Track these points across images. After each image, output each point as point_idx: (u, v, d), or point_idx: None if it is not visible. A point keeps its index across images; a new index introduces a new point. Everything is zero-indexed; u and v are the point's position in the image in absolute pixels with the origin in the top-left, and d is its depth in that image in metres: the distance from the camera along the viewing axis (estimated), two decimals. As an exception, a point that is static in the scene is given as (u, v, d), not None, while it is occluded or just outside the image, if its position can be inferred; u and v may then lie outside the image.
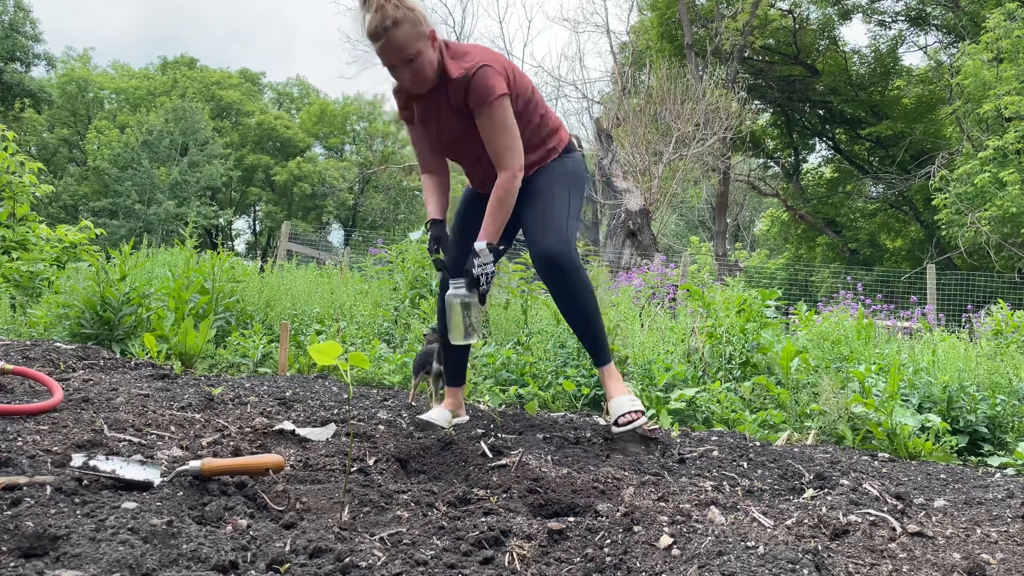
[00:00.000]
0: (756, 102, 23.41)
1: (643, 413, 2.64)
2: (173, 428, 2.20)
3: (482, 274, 2.52)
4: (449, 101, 2.56)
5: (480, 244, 2.51)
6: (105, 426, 2.07)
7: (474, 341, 2.65)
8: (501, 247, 2.60)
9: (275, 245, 24.67)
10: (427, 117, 2.67)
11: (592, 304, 2.68)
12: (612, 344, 4.13)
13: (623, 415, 2.62)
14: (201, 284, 4.50)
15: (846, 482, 2.12)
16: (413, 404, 3.27)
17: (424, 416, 2.81)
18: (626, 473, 2.18)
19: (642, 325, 5.19)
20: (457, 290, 2.56)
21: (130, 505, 1.46)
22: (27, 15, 29.98)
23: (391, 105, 39.96)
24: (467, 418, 3.02)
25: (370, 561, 1.34)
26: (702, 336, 4.28)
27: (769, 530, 1.46)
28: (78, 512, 1.41)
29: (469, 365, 4.09)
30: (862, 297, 9.14)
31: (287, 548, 1.36)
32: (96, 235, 6.80)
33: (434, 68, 2.49)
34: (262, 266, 7.01)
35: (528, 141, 2.65)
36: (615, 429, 2.63)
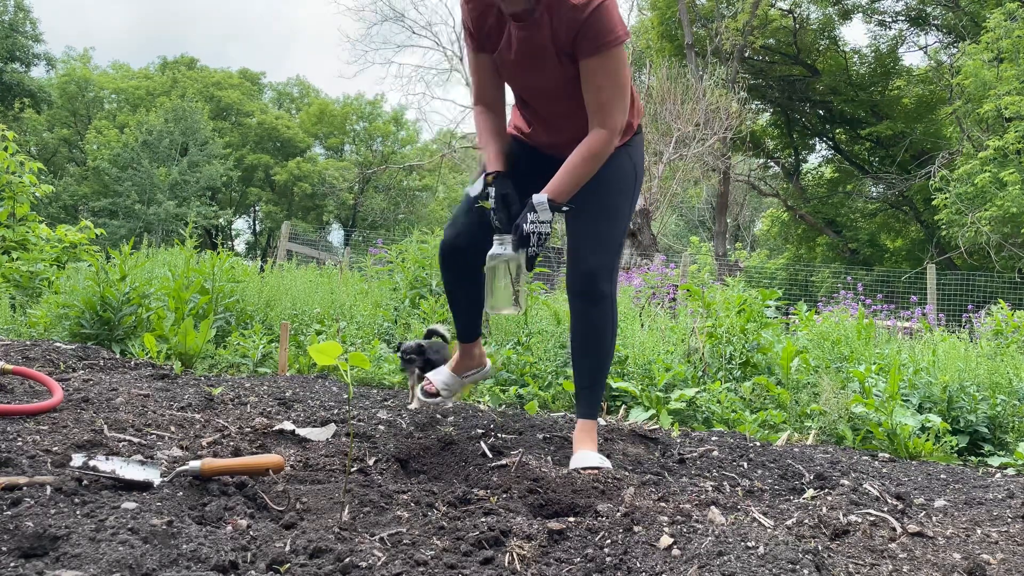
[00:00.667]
0: (756, 102, 23.41)
1: (606, 468, 2.18)
2: (173, 428, 2.20)
3: (535, 233, 2.10)
4: (552, 36, 2.09)
5: (541, 197, 2.10)
6: (105, 426, 2.07)
7: (518, 311, 2.28)
8: (565, 208, 2.18)
9: (275, 245, 24.67)
10: (513, 51, 2.18)
11: (610, 345, 2.37)
12: (612, 344, 4.13)
13: (586, 468, 2.15)
14: (201, 284, 4.50)
15: (846, 482, 2.12)
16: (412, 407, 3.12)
17: (431, 383, 2.70)
18: (626, 473, 2.18)
19: (642, 325, 5.19)
20: (503, 248, 2.15)
21: (130, 505, 1.46)
22: (27, 15, 29.97)
23: (389, 106, 39.96)
24: (488, 368, 2.80)
25: (370, 561, 1.34)
26: (702, 336, 4.28)
27: (769, 530, 1.46)
28: (78, 512, 1.41)
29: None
30: (862, 297, 9.14)
31: (287, 548, 1.36)
32: (96, 235, 6.80)
33: None
34: (262, 266, 7.00)
35: None
36: (575, 465, 2.21)
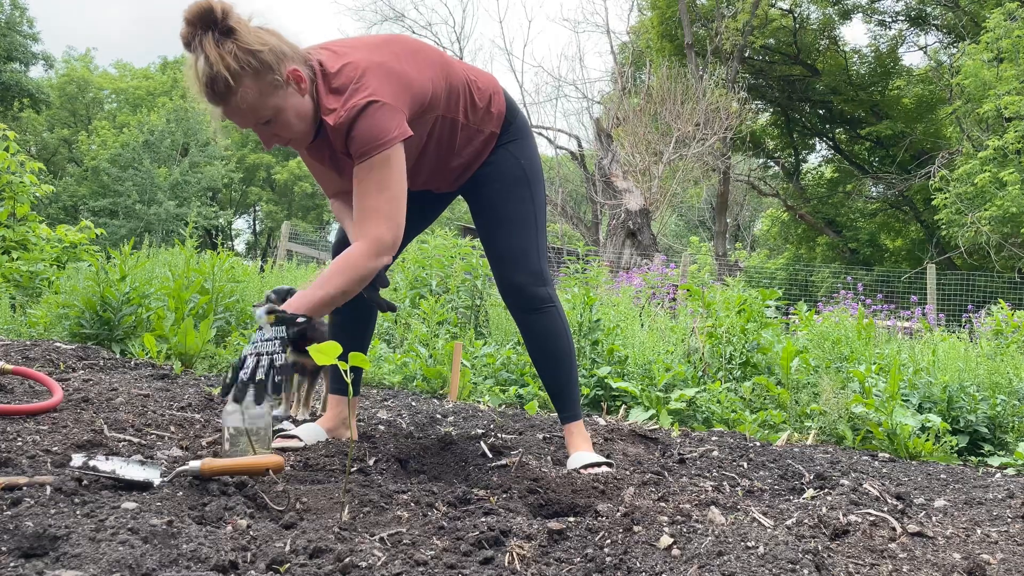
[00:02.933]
0: (756, 102, 23.41)
1: (610, 464, 2.20)
2: (173, 428, 2.20)
3: (253, 355, 1.75)
4: (335, 147, 1.96)
5: (259, 312, 1.78)
6: (105, 426, 2.07)
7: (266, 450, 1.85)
8: (301, 320, 1.80)
9: (275, 245, 24.67)
10: (320, 159, 2.08)
11: (567, 346, 2.26)
12: (612, 344, 4.13)
13: (585, 465, 2.16)
14: (201, 284, 4.50)
15: (846, 482, 2.12)
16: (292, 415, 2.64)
17: (290, 430, 2.26)
18: (626, 473, 2.18)
19: (642, 325, 5.19)
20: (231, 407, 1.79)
21: (130, 505, 1.46)
22: (23, 13, 29.95)
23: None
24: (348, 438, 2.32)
25: (370, 561, 1.34)
26: (702, 336, 4.28)
27: (769, 530, 1.46)
28: (78, 512, 1.41)
29: (465, 364, 4.09)
30: (862, 297, 9.15)
31: (287, 548, 1.36)
32: (96, 235, 6.81)
33: (308, 116, 1.88)
34: (262, 266, 7.01)
35: (462, 136, 2.11)
36: (573, 466, 2.20)
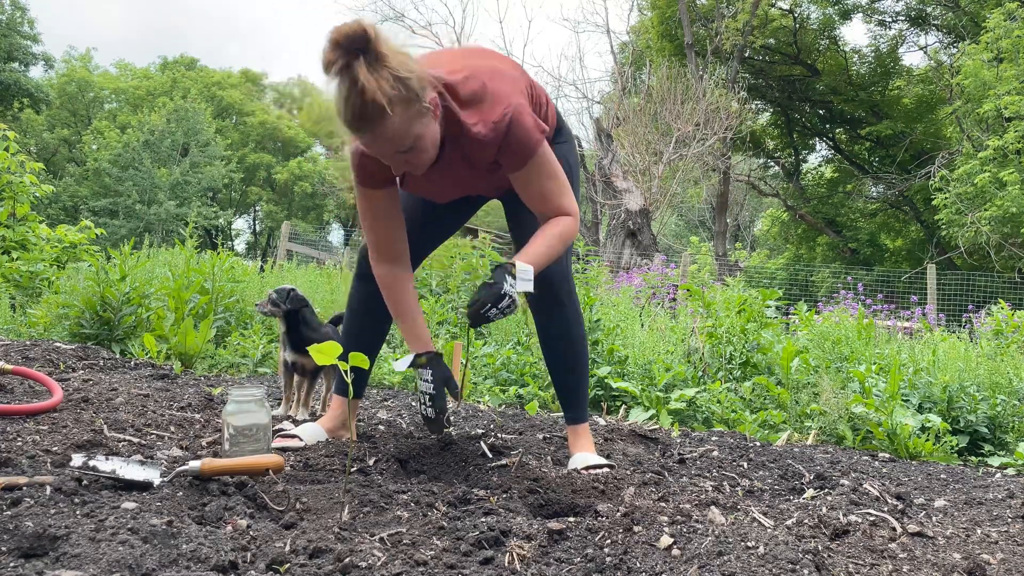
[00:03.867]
0: (756, 102, 23.41)
1: (611, 466, 2.21)
2: (173, 428, 2.20)
3: (509, 296, 1.86)
4: (468, 159, 1.95)
5: (526, 267, 1.89)
6: (105, 426, 2.07)
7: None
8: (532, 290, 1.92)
9: (275, 245, 24.67)
10: (419, 179, 2.03)
11: (582, 349, 2.28)
12: (612, 344, 4.13)
13: (587, 467, 2.18)
14: (201, 284, 4.50)
15: (846, 482, 2.12)
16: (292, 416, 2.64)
17: (290, 430, 2.26)
18: (626, 473, 2.18)
19: (642, 325, 5.19)
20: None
21: (130, 505, 1.46)
22: (24, 14, 29.94)
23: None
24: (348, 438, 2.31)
25: (370, 561, 1.34)
26: (702, 336, 4.28)
27: (769, 530, 1.46)
28: (78, 512, 1.41)
29: (467, 365, 4.09)
30: (862, 297, 9.14)
31: (287, 548, 1.36)
32: (96, 235, 6.81)
33: (437, 141, 1.86)
34: (262, 266, 7.01)
35: None
36: (574, 466, 2.21)
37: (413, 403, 3.33)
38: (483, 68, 1.94)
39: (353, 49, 1.67)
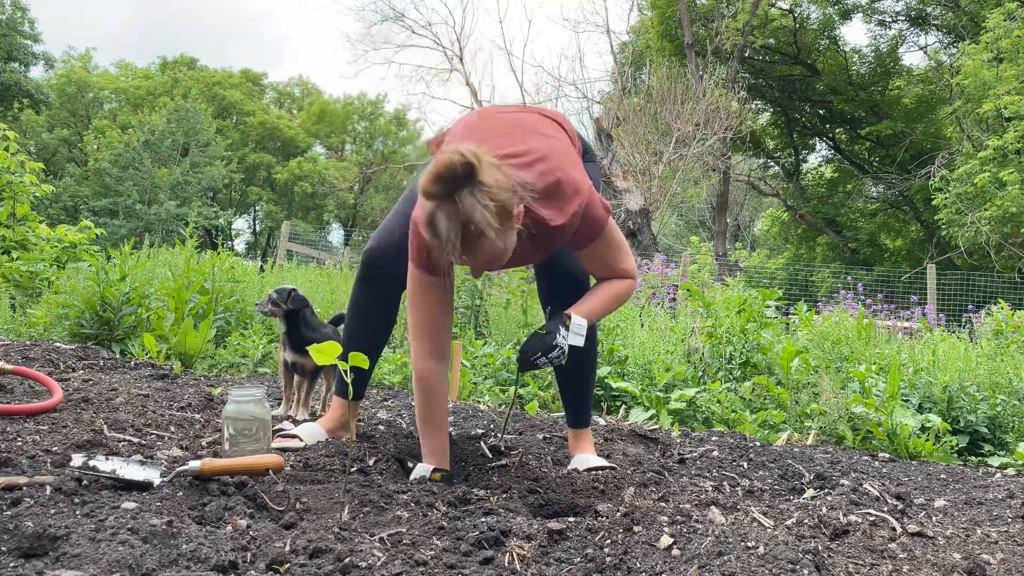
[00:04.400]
0: (756, 102, 23.40)
1: (613, 468, 2.24)
2: (173, 428, 2.20)
3: (560, 347, 1.94)
4: (536, 243, 1.95)
5: (580, 320, 1.96)
6: (105, 426, 2.07)
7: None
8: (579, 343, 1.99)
9: (275, 245, 24.68)
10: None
11: (594, 350, 2.32)
12: (612, 344, 4.13)
13: (588, 468, 2.21)
14: (201, 284, 4.50)
15: (846, 482, 2.12)
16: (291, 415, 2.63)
17: (290, 430, 2.27)
18: (626, 473, 2.18)
19: (642, 325, 5.19)
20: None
21: (130, 505, 1.46)
22: (24, 14, 29.94)
23: (391, 106, 39.98)
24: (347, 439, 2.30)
25: (370, 561, 1.34)
26: (702, 336, 4.28)
27: (769, 530, 1.46)
28: (78, 512, 1.41)
29: (465, 364, 4.09)
30: (862, 297, 9.15)
31: (287, 548, 1.36)
32: (96, 235, 6.81)
33: (514, 243, 1.84)
34: (262, 266, 7.01)
35: None
36: (574, 468, 2.24)
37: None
38: (544, 149, 1.94)
39: (459, 181, 1.67)
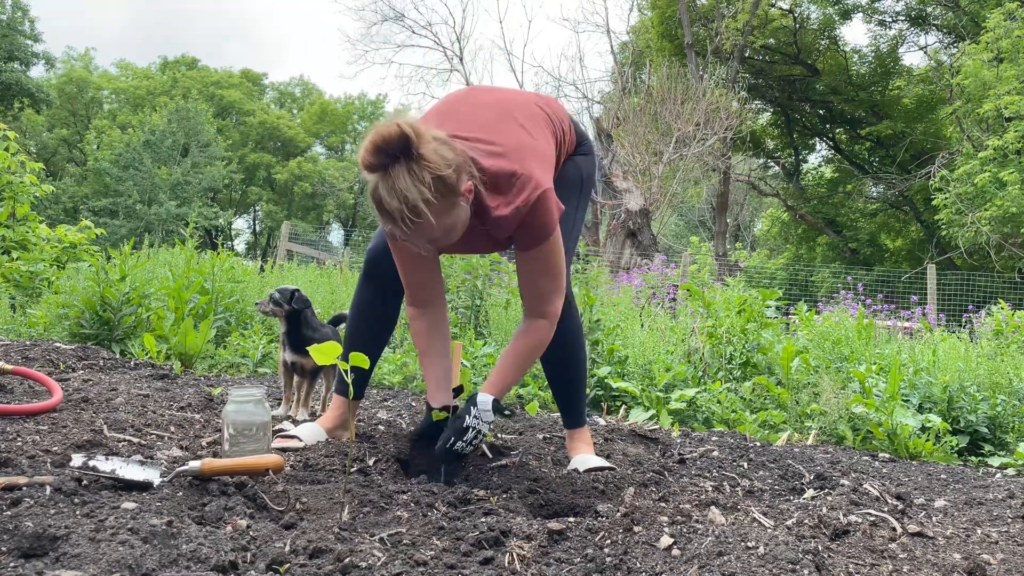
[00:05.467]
0: (756, 102, 23.41)
1: (613, 469, 2.24)
2: (173, 428, 2.20)
3: (473, 428, 1.93)
4: (487, 233, 1.97)
5: (485, 398, 1.95)
6: (105, 426, 2.07)
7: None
8: (507, 412, 2.06)
9: (275, 245, 24.68)
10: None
11: (580, 352, 2.30)
12: (612, 344, 4.13)
13: (588, 469, 2.20)
14: (201, 284, 4.50)
15: (846, 482, 2.12)
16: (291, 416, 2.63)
17: (290, 430, 2.26)
18: (626, 473, 2.18)
19: (642, 325, 5.19)
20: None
21: (130, 505, 1.46)
22: (25, 14, 29.95)
23: (392, 105, 39.95)
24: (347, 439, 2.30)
25: (370, 561, 1.34)
26: (702, 336, 4.28)
27: (769, 530, 1.46)
28: (78, 512, 1.41)
29: (466, 364, 4.09)
30: (862, 297, 9.14)
31: (287, 548, 1.36)
32: (96, 235, 6.81)
33: (466, 222, 1.86)
34: (262, 266, 7.01)
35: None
36: (574, 468, 2.24)
37: (413, 403, 3.33)
38: (521, 144, 1.93)
39: (394, 153, 1.66)
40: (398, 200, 1.68)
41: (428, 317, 2.11)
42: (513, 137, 1.94)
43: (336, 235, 39.47)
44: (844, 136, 24.97)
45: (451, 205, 1.76)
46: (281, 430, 2.31)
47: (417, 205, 1.68)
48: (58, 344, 3.51)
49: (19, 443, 1.82)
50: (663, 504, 1.76)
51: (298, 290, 2.55)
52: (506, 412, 2.03)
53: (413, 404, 3.29)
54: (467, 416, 1.94)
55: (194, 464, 1.66)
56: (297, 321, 2.54)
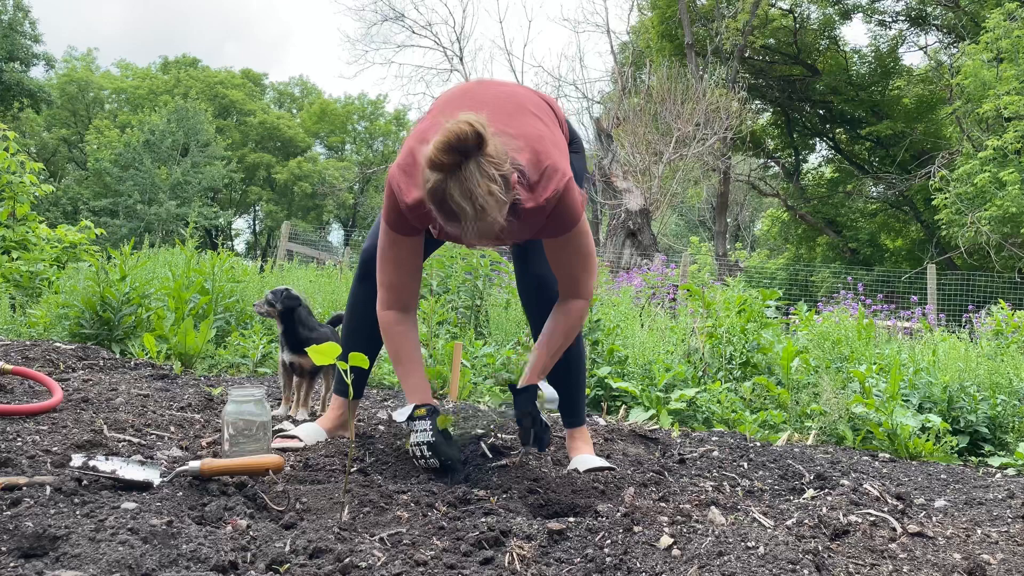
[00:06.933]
0: (756, 102, 23.40)
1: (613, 469, 2.25)
2: (173, 428, 2.20)
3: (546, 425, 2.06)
4: (511, 224, 1.88)
5: (552, 394, 2.08)
6: (105, 426, 2.07)
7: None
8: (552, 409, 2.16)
9: (275, 245, 24.68)
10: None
11: (579, 351, 2.33)
12: (612, 344, 4.13)
13: (588, 469, 2.21)
14: (201, 284, 4.50)
15: (846, 482, 2.12)
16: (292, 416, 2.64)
17: (290, 430, 2.27)
18: (626, 473, 2.18)
19: (642, 325, 5.19)
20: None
21: (130, 505, 1.46)
22: (26, 14, 29.94)
23: (392, 106, 39.99)
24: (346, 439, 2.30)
25: (370, 561, 1.34)
26: (702, 336, 4.28)
27: (769, 530, 1.46)
28: (78, 512, 1.41)
29: (465, 364, 4.09)
30: (862, 297, 9.14)
31: (287, 548, 1.36)
32: (96, 235, 6.81)
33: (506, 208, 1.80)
34: (262, 266, 7.01)
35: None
36: (574, 468, 2.26)
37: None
38: (537, 134, 1.92)
39: (467, 151, 1.65)
40: (470, 198, 1.66)
41: (409, 322, 2.09)
42: (532, 128, 1.94)
43: (336, 235, 39.48)
44: (844, 136, 24.96)
45: (510, 199, 1.76)
46: (281, 430, 2.31)
47: (488, 202, 1.67)
48: (58, 344, 3.51)
49: (19, 443, 1.82)
50: (663, 504, 1.76)
51: (288, 289, 2.55)
52: (551, 409, 2.13)
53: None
54: (529, 409, 2.04)
55: (194, 464, 1.66)
56: (292, 321, 2.54)
